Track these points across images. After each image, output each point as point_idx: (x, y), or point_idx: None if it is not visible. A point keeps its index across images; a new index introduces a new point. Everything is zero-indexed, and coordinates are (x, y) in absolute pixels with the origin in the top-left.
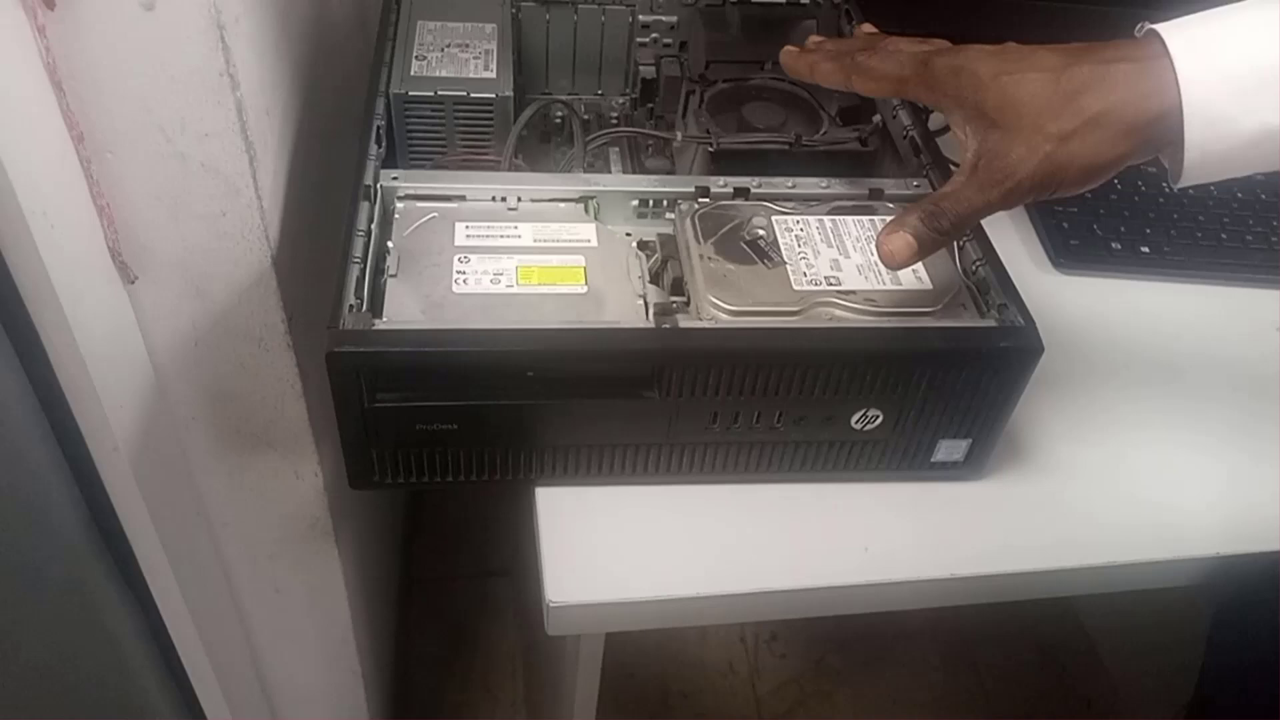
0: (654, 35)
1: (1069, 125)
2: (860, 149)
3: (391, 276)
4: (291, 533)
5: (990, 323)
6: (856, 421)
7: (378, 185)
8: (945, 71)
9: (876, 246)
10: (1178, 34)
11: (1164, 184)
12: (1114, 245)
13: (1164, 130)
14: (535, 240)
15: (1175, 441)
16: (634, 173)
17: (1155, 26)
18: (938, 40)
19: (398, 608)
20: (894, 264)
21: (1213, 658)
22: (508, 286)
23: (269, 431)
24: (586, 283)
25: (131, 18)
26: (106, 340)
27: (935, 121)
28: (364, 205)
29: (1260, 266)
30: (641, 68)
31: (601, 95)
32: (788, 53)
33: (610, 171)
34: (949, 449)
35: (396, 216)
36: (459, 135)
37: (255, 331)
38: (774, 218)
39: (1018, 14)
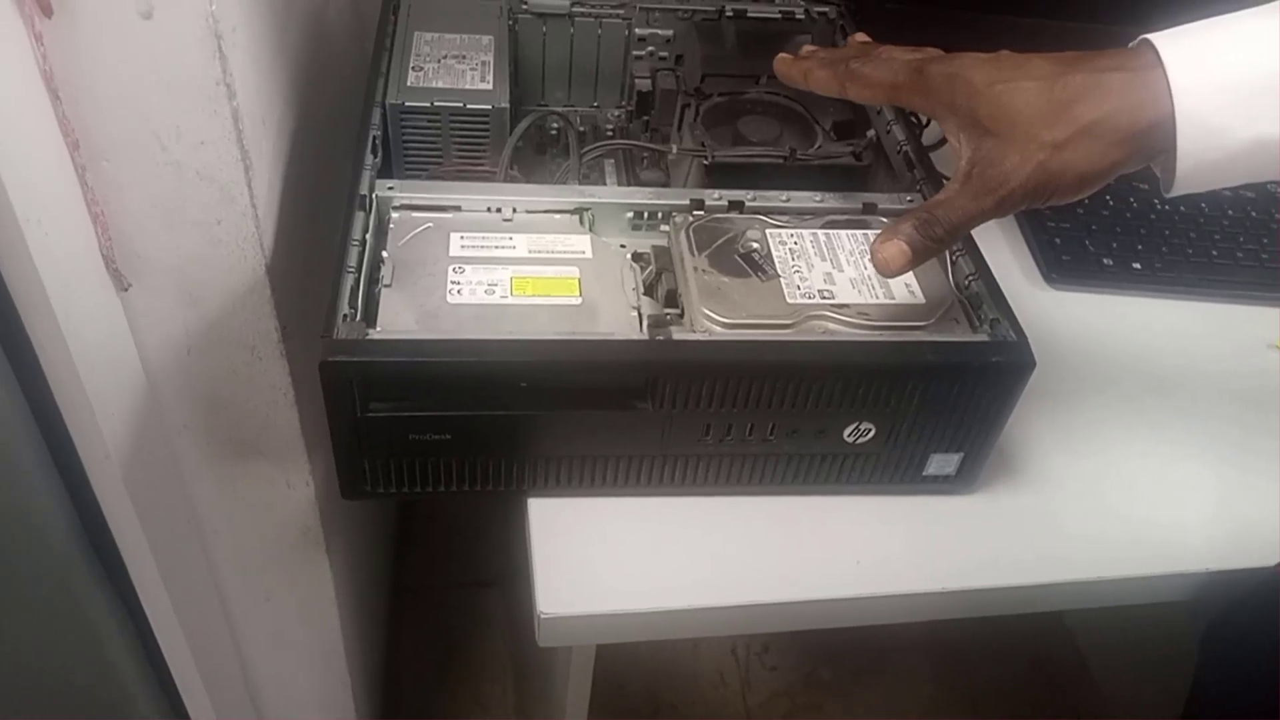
0: (650, 48)
1: (1062, 134)
2: (854, 163)
3: (386, 286)
4: (283, 542)
5: (982, 337)
6: (849, 435)
7: (373, 195)
8: (939, 79)
9: (870, 254)
10: (1171, 43)
11: (1156, 200)
12: (1106, 261)
13: (1157, 139)
14: (530, 251)
15: (1166, 457)
16: (629, 185)
17: (1149, 36)
18: (931, 49)
19: (388, 617)
20: (888, 271)
21: (1204, 673)
22: (502, 297)
23: (261, 440)
24: (581, 294)
25: (129, 26)
26: (99, 347)
27: (930, 136)
28: (359, 215)
29: (1251, 283)
30: (637, 80)
31: (597, 107)
32: (782, 60)
33: (605, 183)
34: (941, 463)
35: (391, 226)
36: (455, 146)
37: (249, 340)
38: (768, 231)
39: (1011, 30)
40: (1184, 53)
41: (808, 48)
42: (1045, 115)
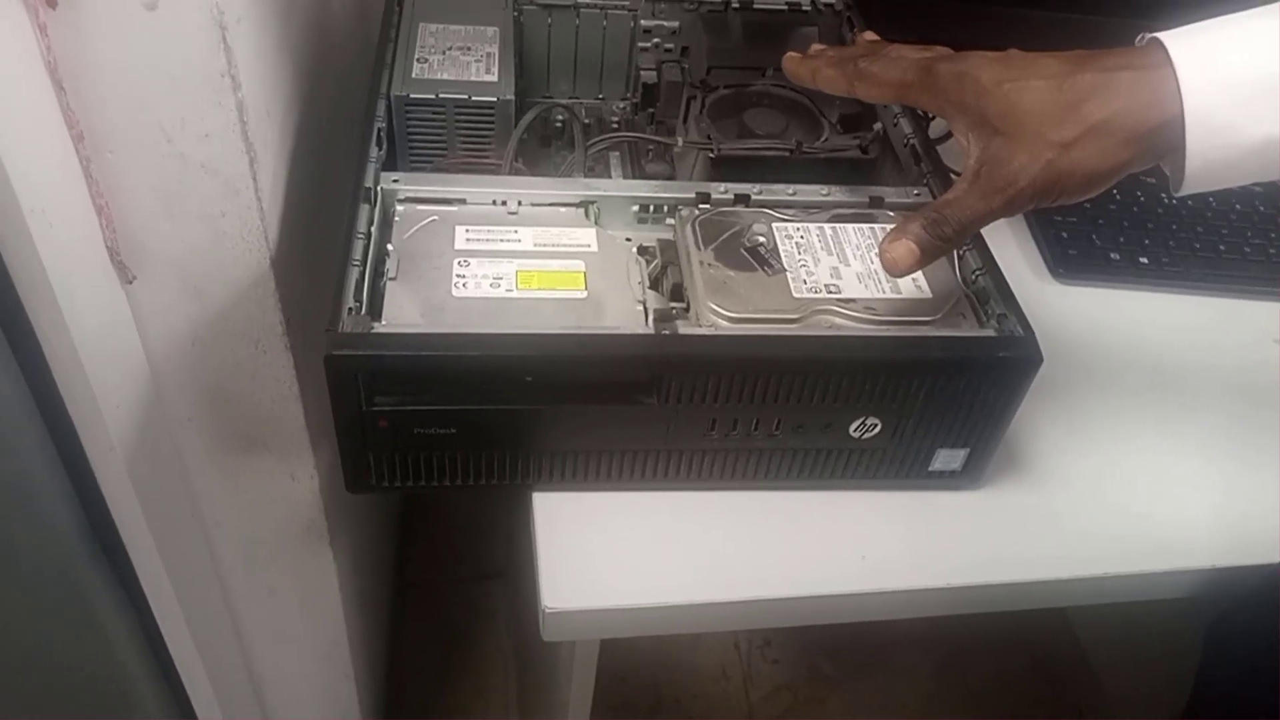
0: (655, 40)
1: (1071, 133)
2: (861, 157)
3: (391, 279)
4: (286, 535)
5: (989, 332)
6: (855, 430)
7: (378, 188)
8: (948, 77)
9: (879, 254)
10: (1180, 42)
11: (1163, 195)
12: (1113, 255)
13: (1166, 139)
14: (535, 244)
15: (1171, 453)
16: (634, 178)
17: (1158, 35)
18: (940, 47)
19: (391, 611)
20: (897, 271)
21: (1207, 670)
22: (507, 291)
23: (265, 433)
24: (586, 288)
25: (133, 17)
26: (103, 339)
27: (936, 129)
28: (364, 208)
29: (1258, 278)
30: (643, 72)
31: (602, 99)
32: (790, 58)
33: (611, 176)
34: (946, 458)
35: (396, 219)
36: (460, 138)
37: (253, 333)
38: (774, 225)
39: (1020, 25)
40: (1193, 52)
41: (816, 46)
42: (1054, 114)
